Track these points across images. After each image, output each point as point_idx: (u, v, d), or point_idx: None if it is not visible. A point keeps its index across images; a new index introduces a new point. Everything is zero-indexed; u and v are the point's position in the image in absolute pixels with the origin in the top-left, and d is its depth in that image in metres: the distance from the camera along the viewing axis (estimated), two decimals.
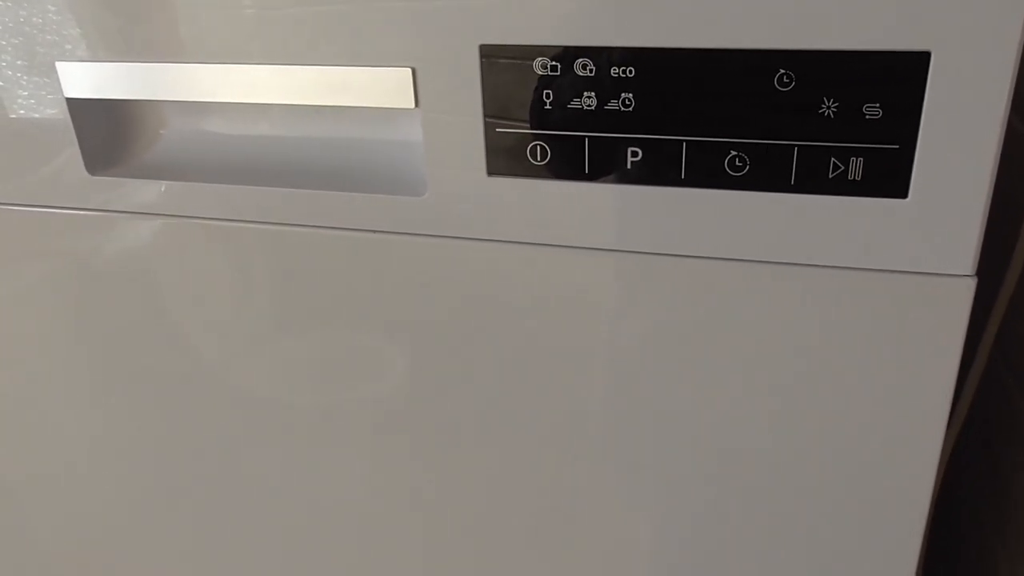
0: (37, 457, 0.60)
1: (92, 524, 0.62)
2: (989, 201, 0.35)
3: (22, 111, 0.46)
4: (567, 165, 0.39)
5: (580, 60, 0.37)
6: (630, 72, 0.36)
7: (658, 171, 0.38)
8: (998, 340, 0.61)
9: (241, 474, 0.55)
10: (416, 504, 0.52)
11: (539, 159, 0.39)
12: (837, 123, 0.35)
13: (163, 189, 0.46)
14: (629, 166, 0.38)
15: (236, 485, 0.56)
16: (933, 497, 0.43)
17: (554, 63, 0.37)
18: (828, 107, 0.35)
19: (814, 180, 0.36)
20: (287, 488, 0.55)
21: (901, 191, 0.36)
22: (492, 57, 0.37)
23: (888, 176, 0.35)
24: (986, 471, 0.65)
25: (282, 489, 0.55)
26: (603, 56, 0.36)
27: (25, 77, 0.45)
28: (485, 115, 0.39)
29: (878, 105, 0.34)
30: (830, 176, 0.36)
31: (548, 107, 0.38)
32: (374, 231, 0.43)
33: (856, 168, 0.36)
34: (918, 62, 0.33)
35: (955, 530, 0.71)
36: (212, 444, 0.55)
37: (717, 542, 0.48)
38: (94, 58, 0.43)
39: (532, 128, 0.39)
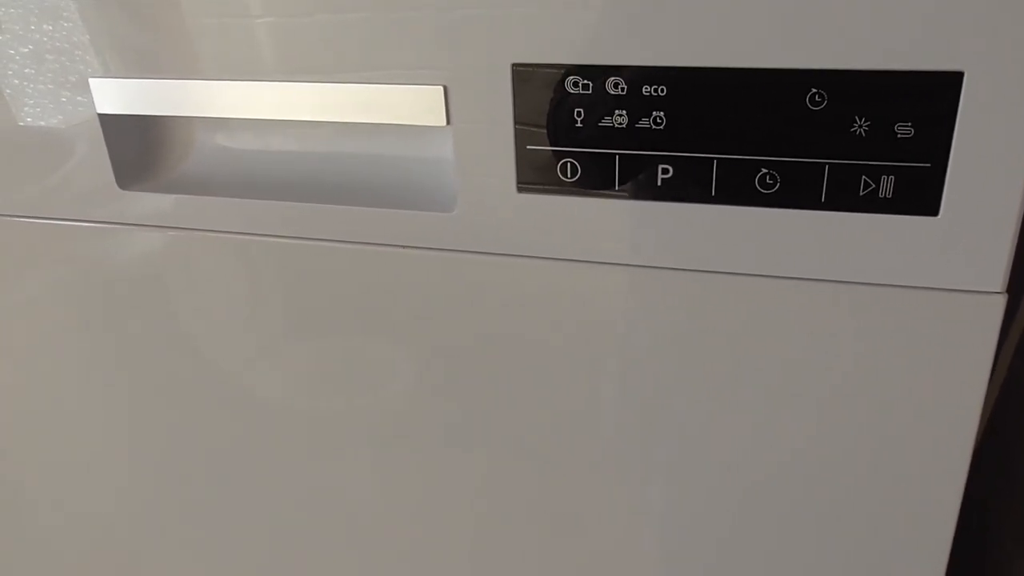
0: (53, 460, 0.61)
1: (109, 533, 0.63)
2: (1020, 220, 0.35)
3: (55, 127, 0.46)
4: (597, 182, 0.39)
5: (611, 79, 0.37)
6: (661, 90, 0.37)
7: (689, 188, 0.38)
8: (1019, 351, 0.61)
9: (261, 483, 0.56)
10: (444, 516, 0.53)
11: (569, 176, 0.39)
12: (869, 141, 0.35)
13: (193, 204, 0.46)
14: (660, 183, 0.38)
15: (253, 493, 0.56)
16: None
17: (586, 81, 0.37)
18: (860, 126, 0.35)
19: (845, 198, 0.36)
20: (302, 498, 0.55)
21: (932, 209, 0.36)
22: (524, 75, 0.38)
23: (919, 194, 0.36)
24: (1003, 480, 0.65)
25: (296, 499, 0.55)
26: (634, 75, 0.37)
27: (58, 93, 0.45)
28: (516, 132, 0.39)
29: (910, 124, 0.34)
30: (861, 194, 0.36)
31: (579, 125, 0.38)
32: (404, 246, 0.44)
33: (887, 186, 0.36)
34: (951, 82, 0.33)
35: (972, 539, 0.71)
36: (239, 453, 0.55)
37: (744, 562, 0.48)
38: (127, 75, 0.44)
39: (563, 145, 0.39)
